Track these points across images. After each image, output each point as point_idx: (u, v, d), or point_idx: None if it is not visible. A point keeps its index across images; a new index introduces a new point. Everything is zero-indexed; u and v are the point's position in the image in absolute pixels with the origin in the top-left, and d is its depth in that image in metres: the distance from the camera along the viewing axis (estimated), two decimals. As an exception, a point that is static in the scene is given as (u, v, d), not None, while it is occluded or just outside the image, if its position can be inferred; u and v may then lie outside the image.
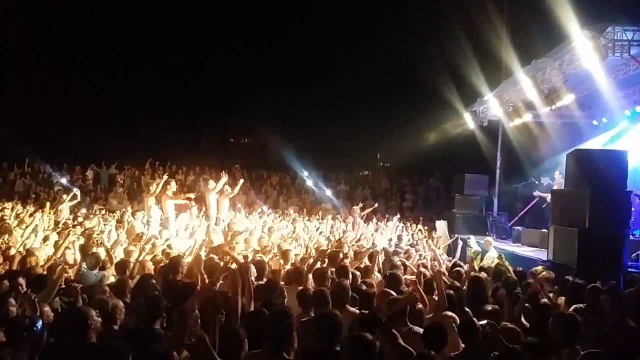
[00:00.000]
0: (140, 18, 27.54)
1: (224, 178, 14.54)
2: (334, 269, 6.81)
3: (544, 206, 14.63)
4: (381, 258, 8.61)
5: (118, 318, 4.85)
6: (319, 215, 18.51)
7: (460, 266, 8.71)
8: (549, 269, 9.21)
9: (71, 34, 26.51)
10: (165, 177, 14.38)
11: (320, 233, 12.50)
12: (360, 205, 18.04)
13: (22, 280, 5.48)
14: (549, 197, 14.23)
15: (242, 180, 16.57)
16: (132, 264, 6.85)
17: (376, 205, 17.41)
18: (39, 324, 4.21)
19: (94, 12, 27.02)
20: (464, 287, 6.69)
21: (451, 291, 5.98)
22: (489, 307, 5.50)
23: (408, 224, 18.01)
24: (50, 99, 25.41)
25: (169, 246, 8.85)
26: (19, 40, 24.45)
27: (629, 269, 9.17)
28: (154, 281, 5.91)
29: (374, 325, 4.84)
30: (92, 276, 6.75)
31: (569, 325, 4.66)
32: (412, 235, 15.27)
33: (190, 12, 28.86)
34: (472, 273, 7.86)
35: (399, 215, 15.42)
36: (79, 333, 4.25)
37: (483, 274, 7.70)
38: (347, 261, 7.92)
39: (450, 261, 10.41)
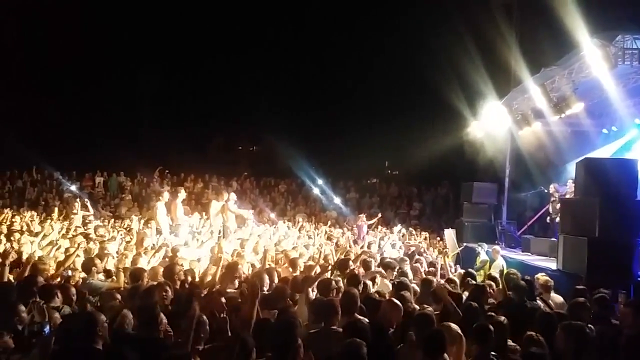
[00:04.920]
0: (147, 27, 27.74)
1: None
2: (339, 279, 6.81)
3: (548, 220, 14.63)
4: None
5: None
6: (327, 223, 18.55)
7: (472, 276, 8.66)
8: (559, 279, 9.21)
9: (77, 41, 26.69)
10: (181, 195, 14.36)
11: (328, 238, 12.54)
12: (366, 214, 18.03)
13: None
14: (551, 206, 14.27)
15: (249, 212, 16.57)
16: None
17: (380, 215, 17.36)
18: (47, 329, 4.22)
19: (102, 20, 27.24)
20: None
21: (474, 303, 5.96)
22: (500, 318, 5.45)
23: (415, 232, 18.03)
24: (58, 106, 25.63)
25: (174, 251, 8.89)
26: (26, 47, 24.70)
27: (639, 278, 9.09)
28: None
29: (378, 334, 4.85)
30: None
31: (580, 337, 4.62)
32: (420, 243, 15.28)
33: (198, 20, 29.05)
34: (479, 282, 7.85)
35: (399, 226, 15.36)
36: (86, 338, 4.18)
37: (491, 283, 7.68)
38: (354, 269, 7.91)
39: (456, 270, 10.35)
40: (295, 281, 6.95)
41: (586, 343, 4.55)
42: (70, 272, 6.90)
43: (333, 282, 6.34)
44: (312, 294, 6.24)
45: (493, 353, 4.64)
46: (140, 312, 4.84)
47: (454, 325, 4.93)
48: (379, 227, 17.10)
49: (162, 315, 4.78)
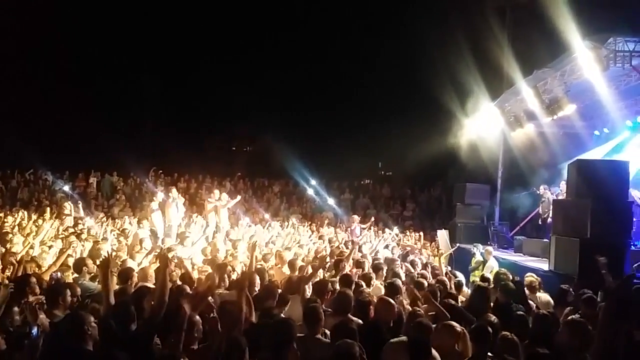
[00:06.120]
0: (146, 26, 27.69)
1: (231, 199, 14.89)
2: (334, 280, 6.83)
3: (539, 222, 14.72)
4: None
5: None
6: (322, 224, 18.56)
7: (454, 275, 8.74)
8: (551, 279, 9.26)
9: (76, 41, 26.64)
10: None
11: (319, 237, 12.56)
12: (360, 215, 18.05)
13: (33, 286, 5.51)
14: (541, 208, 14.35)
15: (239, 197, 16.64)
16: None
17: (373, 219, 17.43)
18: (35, 330, 4.19)
19: (100, 21, 27.17)
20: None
21: (452, 301, 5.99)
22: (492, 318, 5.48)
23: (409, 233, 18.04)
24: (53, 105, 25.53)
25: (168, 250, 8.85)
26: (24, 46, 24.59)
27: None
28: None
29: (372, 334, 4.86)
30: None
31: (585, 334, 4.66)
32: (414, 244, 15.30)
33: (196, 20, 29.02)
34: (477, 283, 7.91)
35: (396, 228, 15.39)
36: (75, 339, 4.12)
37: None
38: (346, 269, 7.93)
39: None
40: (290, 281, 6.95)
41: (590, 340, 4.59)
42: (59, 274, 6.85)
43: (329, 284, 6.35)
44: (309, 293, 6.24)
45: (489, 354, 4.68)
46: (115, 309, 4.82)
47: (454, 324, 4.96)
48: (372, 228, 17.12)
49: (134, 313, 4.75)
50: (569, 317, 5.39)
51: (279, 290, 6.21)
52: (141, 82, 28.87)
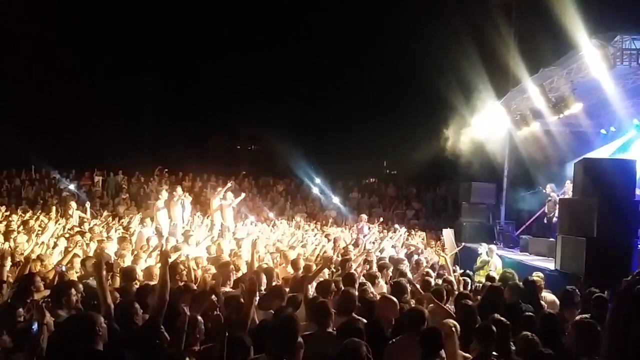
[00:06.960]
0: (148, 25, 27.74)
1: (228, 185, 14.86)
2: (338, 279, 6.80)
3: (545, 221, 14.66)
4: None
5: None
6: (327, 223, 18.55)
7: (469, 276, 8.70)
8: (557, 279, 9.22)
9: (78, 41, 26.72)
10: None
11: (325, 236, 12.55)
12: (366, 217, 18.03)
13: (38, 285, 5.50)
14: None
15: (243, 194, 16.64)
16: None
17: (381, 220, 17.44)
18: (35, 325, 4.16)
19: (102, 20, 27.24)
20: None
21: (469, 301, 5.96)
22: (498, 317, 5.44)
23: (414, 232, 18.01)
24: (57, 104, 25.61)
25: (176, 249, 8.85)
26: (26, 46, 24.68)
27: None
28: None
29: (376, 334, 4.83)
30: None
31: (593, 334, 4.62)
32: (418, 243, 15.26)
33: (198, 19, 29.05)
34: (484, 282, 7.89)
35: (403, 228, 15.36)
36: (86, 340, 4.10)
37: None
38: (352, 268, 7.90)
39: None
40: (295, 281, 6.93)
41: (598, 341, 4.55)
42: (64, 268, 6.86)
43: (332, 285, 6.32)
44: (312, 292, 6.22)
45: (494, 353, 4.64)
46: (117, 309, 4.80)
47: (453, 321, 4.93)
48: (379, 227, 17.10)
49: (139, 312, 4.74)
50: (578, 317, 5.34)
51: (287, 290, 6.18)
52: (144, 81, 28.95)
